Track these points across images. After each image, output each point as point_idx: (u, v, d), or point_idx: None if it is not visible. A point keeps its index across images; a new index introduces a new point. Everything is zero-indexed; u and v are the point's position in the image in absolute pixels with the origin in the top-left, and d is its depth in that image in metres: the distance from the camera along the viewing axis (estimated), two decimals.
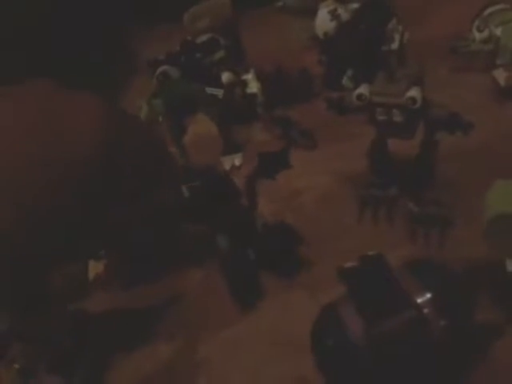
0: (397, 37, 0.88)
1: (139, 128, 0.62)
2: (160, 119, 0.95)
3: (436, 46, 0.94)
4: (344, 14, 1.03)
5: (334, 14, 1.04)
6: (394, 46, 0.85)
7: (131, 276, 0.79)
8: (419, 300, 0.46)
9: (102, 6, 1.22)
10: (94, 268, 0.78)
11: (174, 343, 0.70)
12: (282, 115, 0.95)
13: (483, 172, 0.73)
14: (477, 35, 0.89)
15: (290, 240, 0.69)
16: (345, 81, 0.97)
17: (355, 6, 0.95)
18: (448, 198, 0.73)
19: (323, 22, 1.04)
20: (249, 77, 0.98)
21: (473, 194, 0.69)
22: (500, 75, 0.83)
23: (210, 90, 0.96)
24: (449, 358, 0.49)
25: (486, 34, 0.87)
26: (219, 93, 0.96)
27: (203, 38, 1.04)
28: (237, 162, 0.94)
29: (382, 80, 0.65)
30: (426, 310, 0.45)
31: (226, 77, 0.94)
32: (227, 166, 0.93)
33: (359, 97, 0.65)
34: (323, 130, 0.92)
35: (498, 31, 0.85)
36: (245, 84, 0.97)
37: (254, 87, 0.96)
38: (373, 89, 0.65)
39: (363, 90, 0.65)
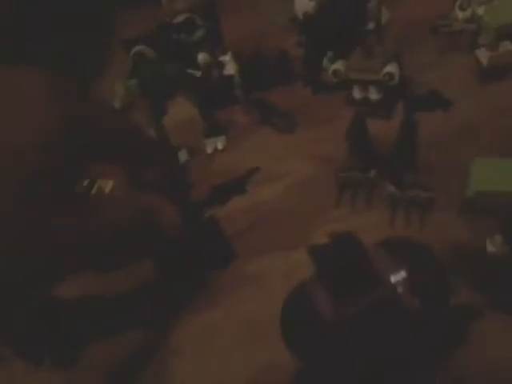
0: (377, 16, 0.86)
1: (102, 107, 0.57)
2: (136, 100, 0.92)
3: (419, 26, 0.92)
4: None
5: None
6: (374, 25, 0.82)
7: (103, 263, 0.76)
8: (392, 279, 0.44)
9: None
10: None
11: (146, 330, 0.67)
12: (261, 98, 0.92)
13: (465, 153, 0.71)
14: (459, 14, 0.86)
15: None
16: (325, 62, 0.94)
17: None
18: (429, 181, 0.71)
19: (302, 2, 1.01)
20: (226, 58, 0.95)
21: (454, 176, 0.67)
22: (482, 55, 0.81)
23: (188, 71, 0.93)
24: (424, 339, 0.47)
25: (468, 12, 0.85)
26: (197, 73, 0.93)
27: (180, 18, 1.01)
28: (219, 146, 0.91)
29: (358, 56, 0.63)
30: (399, 289, 0.43)
31: (201, 57, 0.91)
32: (209, 150, 0.91)
33: (335, 73, 0.62)
34: (303, 112, 0.90)
35: (481, 10, 0.82)
36: (222, 65, 0.94)
37: (231, 69, 0.93)
38: (349, 65, 0.63)
39: (339, 65, 0.63)
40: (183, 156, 0.90)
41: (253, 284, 0.70)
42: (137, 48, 0.94)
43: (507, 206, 0.49)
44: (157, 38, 1.01)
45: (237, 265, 0.73)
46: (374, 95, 0.64)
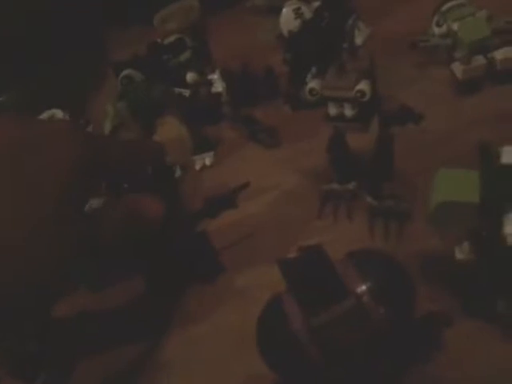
0: (358, 33, 0.88)
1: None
2: (126, 121, 0.95)
3: (399, 41, 0.95)
4: (307, 12, 1.04)
5: (297, 13, 1.05)
6: (356, 42, 0.85)
7: (98, 280, 0.79)
8: (358, 289, 0.47)
9: (73, 9, 1.22)
10: None
11: (136, 346, 0.70)
12: (247, 114, 0.95)
13: (441, 164, 0.74)
14: (436, 30, 0.89)
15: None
16: (308, 78, 0.97)
17: (318, 4, 0.95)
18: (406, 192, 0.73)
19: (288, 20, 1.05)
20: (214, 77, 0.98)
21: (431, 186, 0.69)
22: (457, 68, 0.84)
23: (177, 90, 0.96)
24: (393, 347, 0.49)
25: (444, 28, 0.88)
26: (186, 92, 0.96)
27: (170, 39, 1.05)
28: (208, 162, 0.95)
29: (332, 74, 0.66)
30: (364, 299, 0.45)
31: (190, 77, 0.95)
32: (198, 166, 0.94)
33: (310, 91, 0.65)
34: (288, 127, 0.93)
35: (456, 26, 0.85)
36: (210, 84, 0.97)
37: (219, 87, 0.96)
38: (324, 83, 0.66)
39: (314, 84, 0.66)
40: (176, 172, 0.93)
41: (240, 297, 0.72)
42: (125, 72, 0.98)
43: (468, 215, 0.51)
44: (147, 60, 1.04)
45: (224, 278, 0.75)
46: (348, 111, 0.67)
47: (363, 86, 0.64)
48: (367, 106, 0.67)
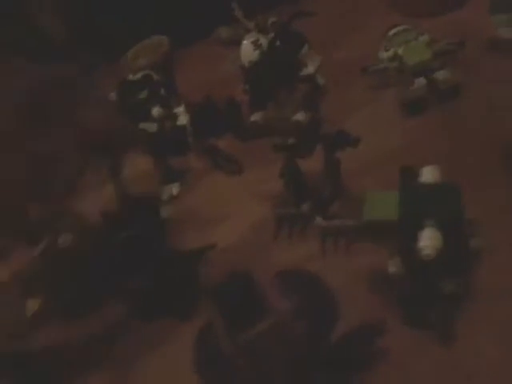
0: (310, 62, 0.94)
1: None
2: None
3: (350, 68, 1.00)
4: (266, 43, 1.09)
5: (256, 44, 1.10)
6: (308, 70, 0.91)
7: (67, 312, 0.83)
8: (282, 308, 0.50)
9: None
10: (31, 306, 0.81)
11: (106, 375, 0.73)
12: (211, 144, 1.00)
13: (389, 182, 0.78)
14: (384, 55, 0.95)
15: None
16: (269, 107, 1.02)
17: (271, 36, 1.00)
18: (354, 211, 0.77)
19: (247, 52, 1.09)
20: (180, 110, 1.03)
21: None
22: (402, 90, 0.88)
23: (142, 126, 1.01)
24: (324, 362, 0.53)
25: (391, 53, 0.93)
26: (151, 127, 1.01)
27: (138, 75, 1.09)
28: (174, 192, 0.98)
29: (273, 106, 0.70)
30: (288, 317, 0.49)
31: (155, 111, 0.99)
32: (165, 196, 0.98)
33: (252, 124, 0.70)
34: (249, 155, 0.97)
35: (400, 50, 0.91)
36: (175, 117, 1.02)
37: (184, 120, 1.01)
38: (265, 115, 0.71)
39: (256, 117, 0.70)
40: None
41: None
42: None
43: (391, 232, 0.56)
44: (115, 99, 1.09)
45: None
46: (291, 140, 0.71)
47: (300, 116, 0.69)
48: (309, 133, 0.72)
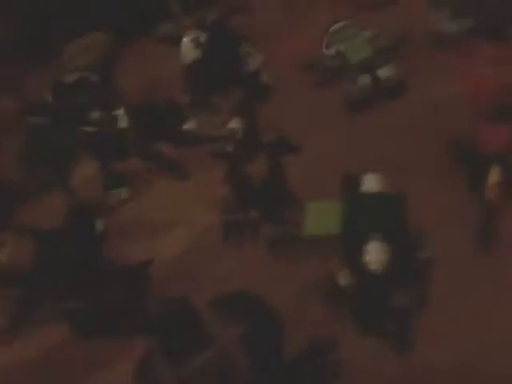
0: (251, 60, 0.91)
1: None
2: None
3: (295, 63, 0.98)
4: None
5: (196, 42, 1.06)
6: (249, 68, 0.87)
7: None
8: (224, 336, 0.48)
9: None
10: None
11: None
12: (155, 149, 0.96)
13: (332, 190, 0.76)
14: (326, 52, 0.93)
15: None
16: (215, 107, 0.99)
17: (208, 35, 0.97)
18: (299, 217, 0.76)
19: (187, 50, 1.06)
20: (120, 112, 0.99)
21: None
22: (346, 88, 0.87)
23: (83, 130, 0.96)
24: None
25: (332, 50, 0.91)
26: (92, 130, 0.96)
27: (73, 77, 1.04)
28: (123, 195, 0.96)
29: (206, 114, 0.67)
30: (230, 346, 0.47)
31: (94, 115, 0.95)
32: (113, 201, 0.95)
33: (186, 133, 0.67)
34: (193, 161, 0.94)
35: (342, 47, 0.89)
36: (116, 120, 0.97)
37: (124, 122, 0.96)
38: (199, 123, 0.68)
39: (189, 125, 0.67)
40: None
41: None
42: (30, 119, 0.96)
43: (336, 246, 0.54)
44: (52, 103, 1.03)
45: None
46: (229, 147, 0.69)
47: (234, 123, 0.67)
48: (246, 141, 0.69)
